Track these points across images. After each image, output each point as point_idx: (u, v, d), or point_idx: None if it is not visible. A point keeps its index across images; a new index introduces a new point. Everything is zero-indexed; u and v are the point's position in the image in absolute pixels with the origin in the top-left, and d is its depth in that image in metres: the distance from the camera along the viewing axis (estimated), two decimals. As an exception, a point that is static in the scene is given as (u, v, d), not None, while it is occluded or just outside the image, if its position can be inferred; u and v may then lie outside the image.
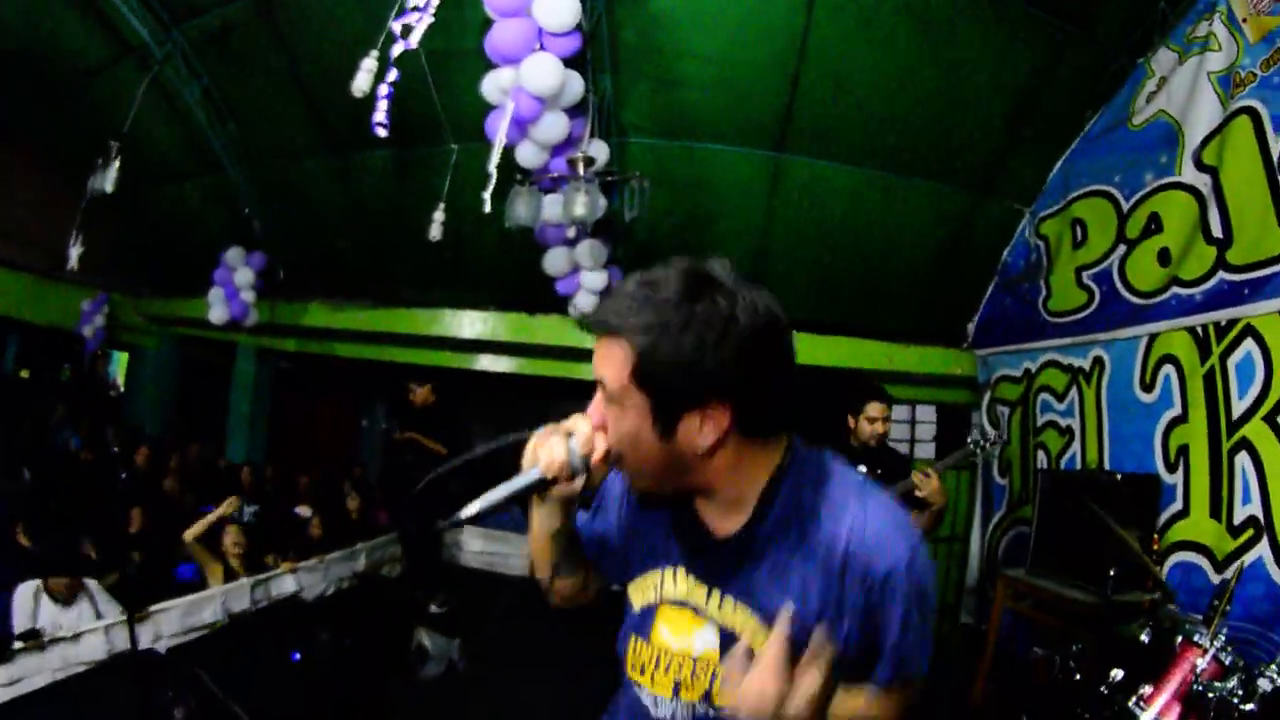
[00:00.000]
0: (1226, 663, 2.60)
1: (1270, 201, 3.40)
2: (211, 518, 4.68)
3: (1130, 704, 2.70)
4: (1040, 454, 4.94)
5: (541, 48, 4.01)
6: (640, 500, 1.23)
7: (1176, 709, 2.60)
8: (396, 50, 3.73)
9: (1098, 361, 4.47)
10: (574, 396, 1.33)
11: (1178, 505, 3.76)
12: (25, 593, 3.61)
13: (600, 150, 4.84)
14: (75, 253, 5.36)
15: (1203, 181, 3.71)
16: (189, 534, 4.59)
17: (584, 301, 5.60)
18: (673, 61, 4.82)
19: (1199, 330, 3.74)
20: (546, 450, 1.07)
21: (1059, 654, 3.45)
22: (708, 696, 1.13)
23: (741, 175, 5.44)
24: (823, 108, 4.90)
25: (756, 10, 4.46)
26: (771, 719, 0.90)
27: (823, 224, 5.62)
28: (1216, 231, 3.64)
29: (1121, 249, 4.29)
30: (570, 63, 4.15)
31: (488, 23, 4.00)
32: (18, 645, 3.07)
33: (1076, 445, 4.61)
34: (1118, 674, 2.88)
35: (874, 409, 3.59)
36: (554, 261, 5.47)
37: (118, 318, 8.01)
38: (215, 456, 7.65)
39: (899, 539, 1.03)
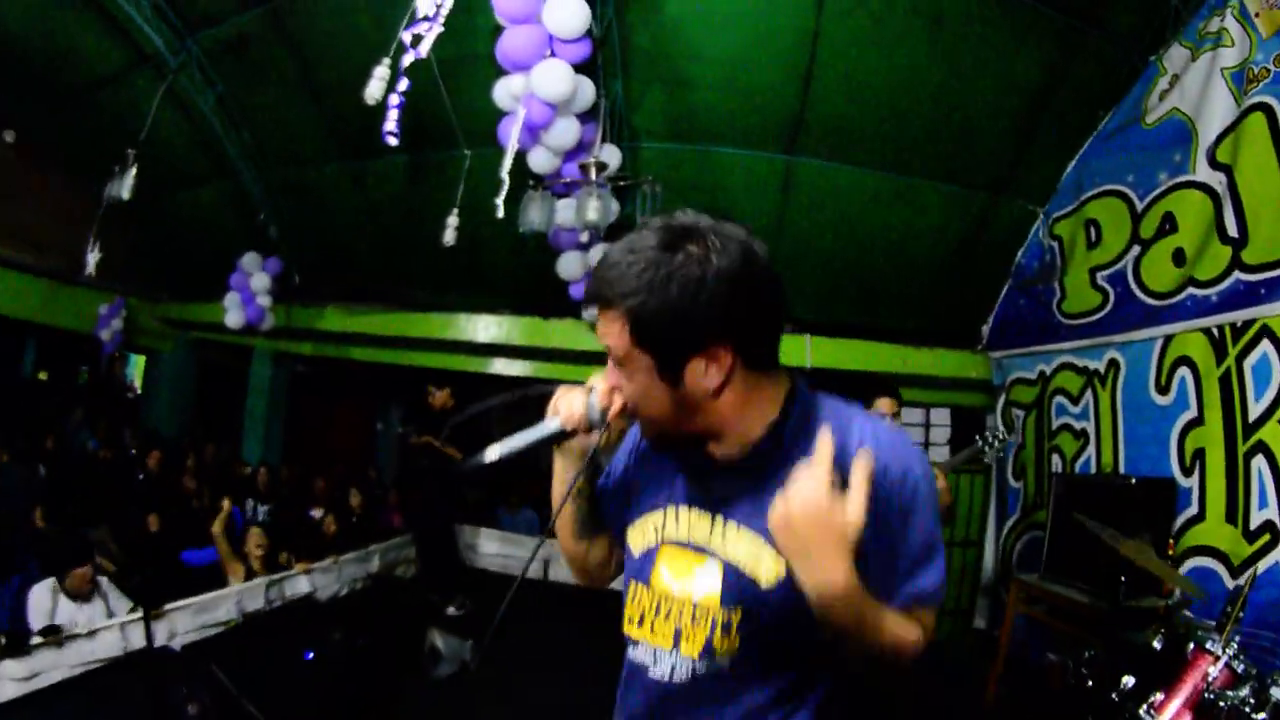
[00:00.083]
0: (1239, 670, 2.54)
1: (1286, 200, 3.35)
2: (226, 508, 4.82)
3: (1141, 711, 2.67)
4: (1055, 457, 4.88)
5: (552, 54, 4.05)
6: (652, 446, 1.24)
7: (1188, 717, 2.56)
8: (407, 60, 3.78)
9: (1113, 364, 4.41)
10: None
11: (1193, 510, 3.69)
12: (42, 590, 3.69)
13: (612, 155, 4.87)
14: (93, 258, 5.47)
15: (1217, 180, 3.65)
16: (216, 527, 4.74)
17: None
18: (683, 65, 4.83)
19: (1215, 331, 3.68)
20: (566, 403, 1.15)
21: (1071, 660, 3.41)
22: (708, 651, 1.11)
23: (754, 178, 5.44)
24: (834, 109, 4.90)
25: (766, 13, 4.47)
26: (818, 525, 0.92)
27: (835, 226, 5.61)
28: (1232, 231, 3.58)
29: (1136, 249, 4.23)
30: (581, 68, 4.19)
31: (498, 29, 4.04)
32: (36, 640, 3.13)
33: (1091, 449, 4.55)
34: (1129, 681, 2.84)
35: (883, 404, 3.58)
36: (567, 266, 5.50)
37: (135, 322, 8.13)
38: (232, 459, 7.76)
39: (910, 448, 1.08)
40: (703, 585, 1.12)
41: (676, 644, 1.14)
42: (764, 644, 1.08)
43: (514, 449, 1.14)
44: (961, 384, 6.14)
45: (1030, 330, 5.27)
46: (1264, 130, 3.43)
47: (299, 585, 5.00)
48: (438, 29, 3.76)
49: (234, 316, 6.85)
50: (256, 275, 6.75)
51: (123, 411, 9.57)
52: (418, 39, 3.75)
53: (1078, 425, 4.70)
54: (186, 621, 3.97)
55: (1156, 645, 2.92)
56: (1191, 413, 3.79)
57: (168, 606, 3.90)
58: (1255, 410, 3.44)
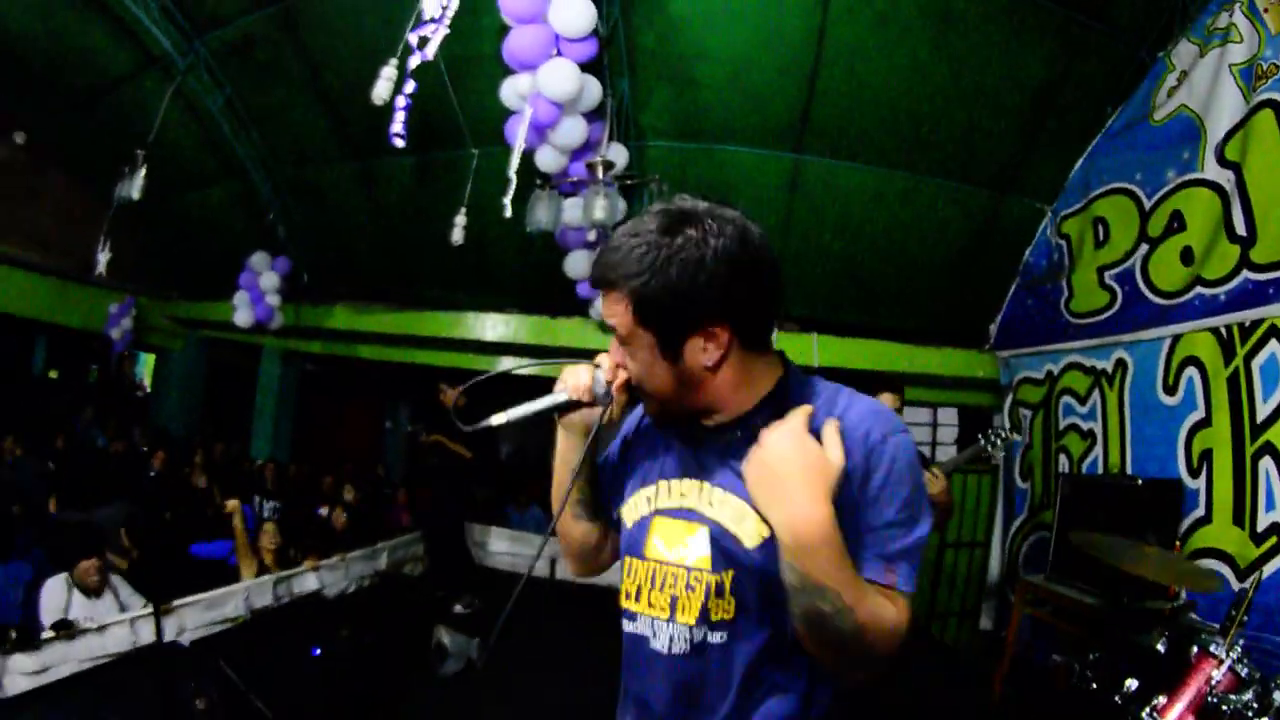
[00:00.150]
0: (1243, 674, 2.51)
1: (1295, 198, 3.32)
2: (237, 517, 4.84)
3: (1144, 714, 2.64)
4: (1062, 458, 4.85)
5: (558, 53, 4.06)
6: (654, 422, 1.28)
7: (1190, 721, 2.55)
8: (414, 62, 3.80)
9: (1120, 363, 4.38)
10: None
11: (1200, 511, 3.66)
12: (55, 585, 3.73)
13: (619, 154, 4.87)
14: (103, 258, 5.54)
15: (1226, 178, 3.61)
16: (236, 521, 4.81)
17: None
18: (689, 64, 4.83)
19: (1223, 331, 3.64)
20: (573, 375, 1.20)
21: (1077, 662, 3.39)
22: (705, 617, 1.13)
23: (760, 176, 5.44)
24: (840, 107, 4.89)
25: (772, 12, 4.46)
26: (792, 461, 0.97)
27: (842, 224, 5.60)
28: (1240, 229, 3.54)
29: (1144, 248, 4.19)
30: (587, 67, 4.20)
31: (505, 29, 4.06)
32: (47, 635, 3.18)
33: (1099, 449, 4.52)
34: (1132, 684, 2.82)
35: (886, 400, 3.58)
36: (575, 264, 5.51)
37: (145, 320, 8.21)
38: (241, 457, 7.83)
39: (894, 419, 1.10)
40: (695, 551, 1.16)
41: (673, 614, 1.16)
42: (758, 606, 1.10)
43: (520, 415, 1.19)
44: (969, 383, 6.12)
45: (1038, 329, 5.24)
46: (1273, 127, 3.40)
47: (307, 582, 5.03)
48: (444, 31, 3.78)
49: (243, 315, 6.91)
50: (265, 274, 6.80)
51: (132, 409, 9.67)
52: (424, 41, 3.77)
53: (1085, 425, 4.67)
54: (195, 617, 4.00)
55: (1160, 648, 2.89)
56: (1199, 413, 3.76)
57: (177, 602, 3.92)
58: (1263, 411, 3.41)
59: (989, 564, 5.84)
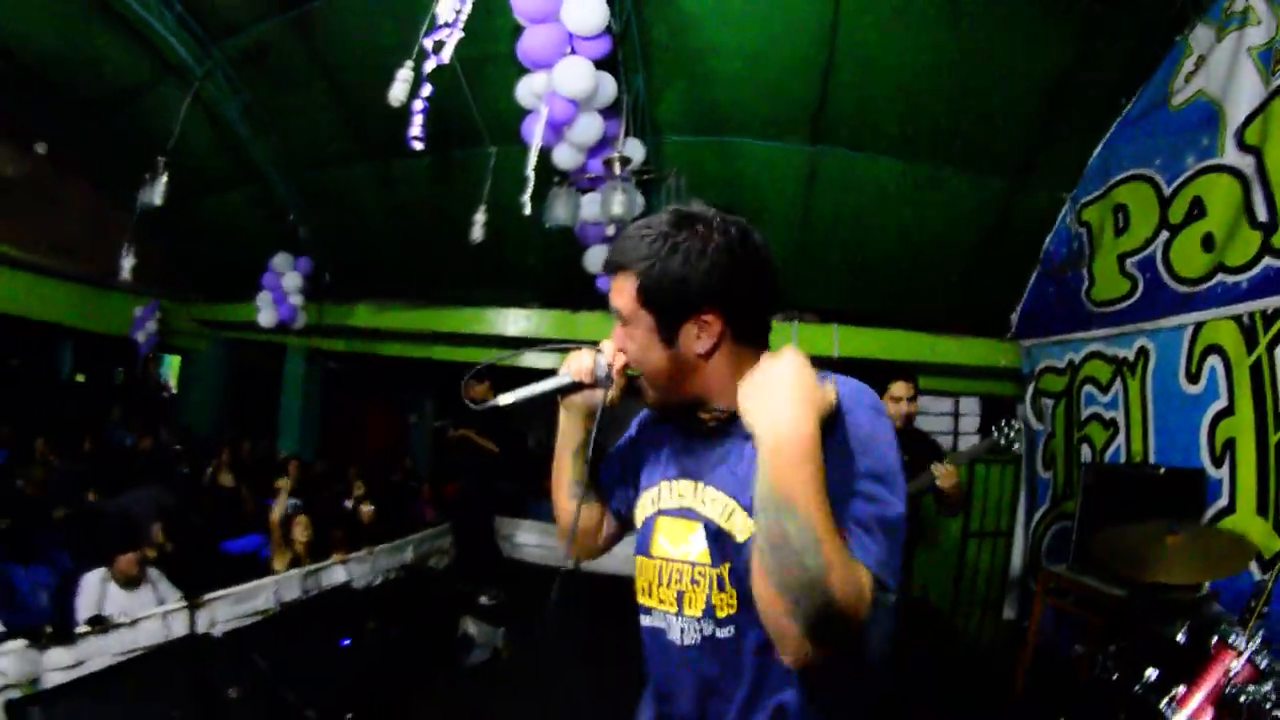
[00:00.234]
0: (1262, 666, 2.50)
1: (1318, 183, 3.25)
2: (284, 496, 5.04)
3: (1162, 705, 2.64)
4: (1085, 447, 4.80)
5: (572, 51, 4.08)
6: (651, 408, 1.37)
7: (1210, 712, 2.53)
8: (429, 66, 3.85)
9: (1142, 352, 4.32)
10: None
11: (1223, 501, 3.61)
12: (92, 579, 3.85)
13: (636, 149, 4.89)
14: (128, 263, 5.68)
15: (1246, 163, 3.54)
16: (274, 514, 4.97)
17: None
18: (703, 58, 4.84)
19: (1245, 319, 3.58)
20: (577, 359, 1.28)
21: (1100, 652, 3.38)
22: (710, 610, 1.19)
23: (777, 169, 5.43)
24: (855, 99, 4.87)
25: (785, 4, 4.45)
26: (786, 377, 1.02)
27: (860, 215, 5.59)
28: (1261, 215, 3.47)
29: (1164, 235, 4.12)
30: (602, 64, 4.22)
31: (518, 29, 4.09)
32: (81, 629, 3.29)
33: (1121, 438, 4.47)
34: (1152, 674, 2.81)
35: (898, 388, 3.59)
36: (594, 259, 5.55)
37: (169, 323, 8.41)
38: (268, 455, 7.98)
39: (877, 400, 1.16)
40: (696, 547, 1.22)
41: (681, 608, 1.23)
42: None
43: (527, 395, 1.27)
44: (990, 373, 6.08)
45: (1059, 318, 5.19)
46: (1294, 111, 3.34)
47: (335, 575, 5.12)
48: (458, 34, 3.83)
49: (266, 315, 7.03)
50: (288, 275, 6.92)
51: (158, 410, 9.89)
52: (439, 45, 3.82)
53: (1107, 415, 4.62)
54: (226, 611, 4.10)
55: (1181, 638, 2.87)
56: (1222, 402, 3.70)
57: (209, 596, 4.02)
58: (1287, 400, 3.36)
59: (1012, 554, 5.82)
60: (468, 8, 3.74)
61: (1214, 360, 3.77)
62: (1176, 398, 4.02)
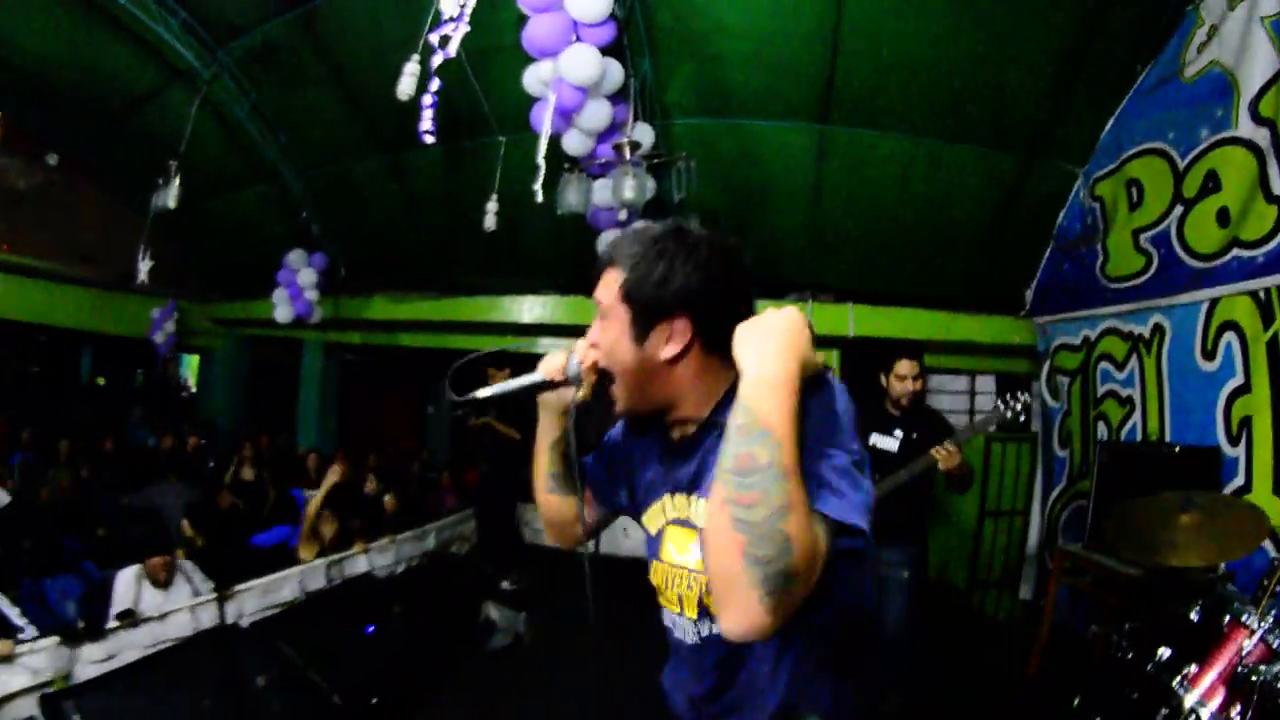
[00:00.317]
0: (1275, 645, 2.49)
1: (1334, 154, 3.17)
2: (328, 485, 5.10)
3: (1175, 684, 2.65)
4: (1101, 425, 4.76)
5: (578, 39, 4.08)
6: (629, 428, 1.44)
7: (1222, 691, 2.54)
8: (437, 60, 3.87)
9: (1158, 328, 4.26)
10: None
11: (1239, 480, 3.56)
12: (127, 577, 3.94)
13: (645, 133, 4.87)
14: (145, 266, 5.78)
15: (1261, 135, 3.44)
16: (311, 508, 5.07)
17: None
18: (710, 40, 4.81)
19: (1261, 295, 3.51)
20: (551, 358, 1.33)
21: (1115, 632, 3.38)
22: (704, 613, 1.27)
23: (787, 149, 5.40)
24: (864, 76, 4.82)
25: (788, -16, 4.41)
26: (782, 322, 1.06)
27: (872, 193, 5.55)
28: (1277, 189, 3.38)
29: (1179, 210, 4.04)
30: (608, 50, 4.21)
31: (523, 19, 4.09)
32: (111, 625, 3.40)
33: (1137, 416, 4.41)
34: (1165, 653, 2.82)
35: (903, 366, 3.61)
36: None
37: (187, 323, 8.59)
38: (288, 449, 8.12)
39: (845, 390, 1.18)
40: (694, 555, 1.28)
41: (682, 609, 1.32)
42: None
43: (502, 391, 1.31)
44: (1006, 350, 6.04)
45: (1074, 294, 5.12)
46: (1309, 81, 3.25)
47: (358, 564, 5.23)
48: (464, 28, 3.84)
49: (283, 311, 7.12)
50: (303, 270, 7.00)
51: (179, 409, 10.08)
52: (445, 40, 3.84)
53: (1123, 392, 4.57)
54: (253, 602, 4.20)
55: (1194, 617, 2.88)
56: (1238, 379, 3.64)
57: (237, 588, 4.13)
58: (1304, 377, 3.31)
59: (1028, 533, 5.81)
60: (472, 2, 3.75)
61: (1230, 337, 3.71)
62: (1192, 375, 3.97)
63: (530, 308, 6.94)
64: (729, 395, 1.18)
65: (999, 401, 3.48)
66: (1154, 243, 4.28)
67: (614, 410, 1.31)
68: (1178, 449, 3.90)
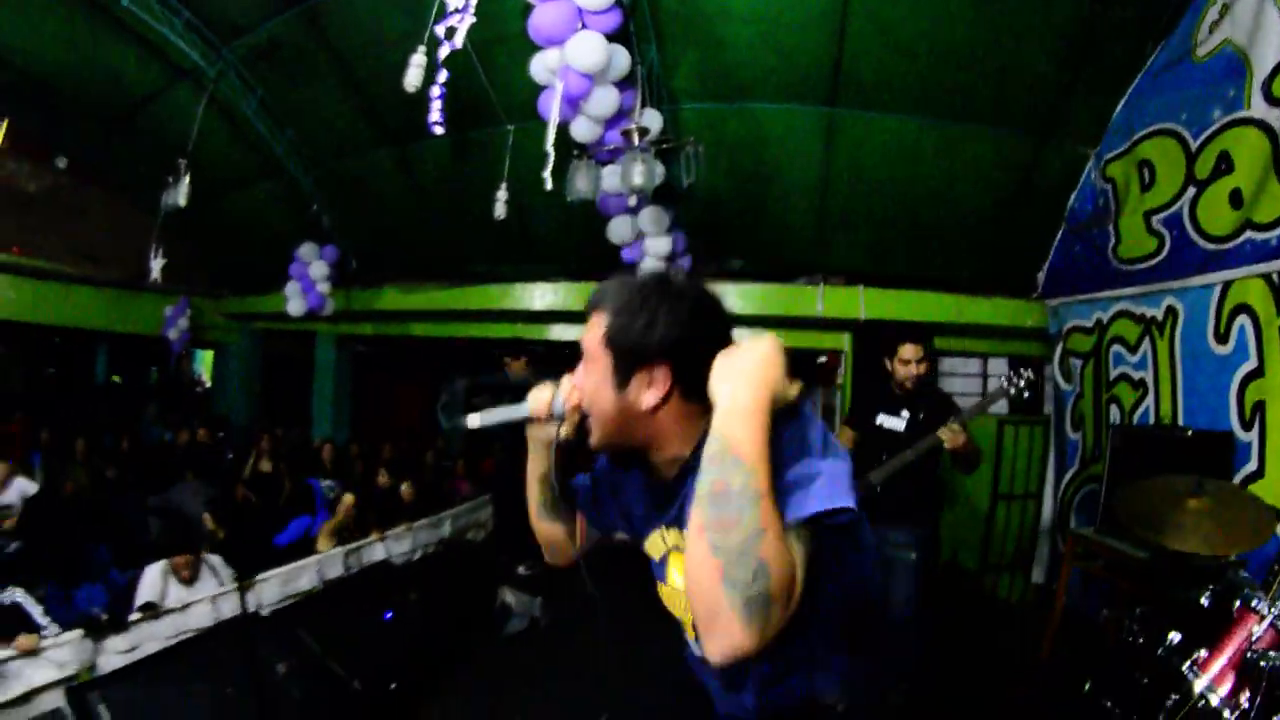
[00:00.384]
0: (1285, 632, 2.50)
1: (1348, 135, 3.11)
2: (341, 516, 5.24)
3: (1184, 668, 2.66)
4: (1113, 408, 4.73)
5: (583, 26, 4.06)
6: (600, 451, 1.43)
7: (1231, 676, 2.54)
8: (443, 52, 3.87)
9: (1170, 311, 4.21)
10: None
11: (1252, 465, 3.53)
12: (154, 572, 4.04)
13: (653, 119, 4.85)
14: (157, 265, 5.85)
15: (1274, 116, 3.38)
16: (348, 500, 5.27)
17: (650, 267, 5.69)
18: (715, 25, 4.77)
19: (1274, 277, 3.46)
20: (537, 395, 1.38)
21: (1127, 616, 3.39)
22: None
23: (796, 132, 5.36)
24: (872, 58, 4.77)
25: (793, -35, 4.36)
26: (756, 356, 1.10)
27: (882, 175, 5.51)
28: (1291, 170, 3.36)
29: (1191, 191, 3.98)
30: (614, 37, 4.18)
31: (528, 7, 4.08)
32: (134, 617, 3.47)
33: (1150, 399, 4.38)
34: (1175, 637, 2.82)
35: (906, 351, 3.62)
36: (618, 230, 5.57)
37: (200, 319, 8.69)
38: (303, 441, 8.22)
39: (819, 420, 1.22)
40: None
41: (686, 629, 1.42)
42: None
43: (489, 421, 1.38)
44: (1018, 333, 6.00)
45: (1086, 277, 5.06)
46: (1323, 60, 3.19)
47: (375, 552, 5.31)
48: (469, 19, 3.84)
49: (295, 305, 7.18)
50: (314, 264, 7.05)
51: (193, 405, 10.20)
52: (451, 31, 3.83)
53: (1136, 375, 4.53)
54: (272, 592, 4.28)
55: (1205, 602, 2.88)
56: (1251, 363, 3.60)
57: (257, 578, 4.21)
58: (1318, 361, 3.28)
59: (1041, 516, 5.80)
60: (478, -8, 3.75)
61: (1243, 320, 3.67)
62: (1205, 358, 3.92)
63: (541, 295, 6.94)
64: (703, 436, 1.20)
65: (1003, 380, 3.48)
66: (1166, 224, 4.22)
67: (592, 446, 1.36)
68: (1190, 433, 3.87)
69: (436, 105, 4.22)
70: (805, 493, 1.07)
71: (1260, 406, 3.54)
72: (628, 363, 1.23)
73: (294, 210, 7.11)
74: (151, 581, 4.00)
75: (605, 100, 4.44)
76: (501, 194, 5.32)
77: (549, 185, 4.27)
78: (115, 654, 3.32)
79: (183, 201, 5.47)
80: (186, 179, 5.44)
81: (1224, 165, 3.74)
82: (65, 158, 7.42)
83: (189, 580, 4.12)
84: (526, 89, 4.50)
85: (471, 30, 3.86)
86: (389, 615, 4.38)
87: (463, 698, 4.09)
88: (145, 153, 6.63)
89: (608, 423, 1.28)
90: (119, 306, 8.19)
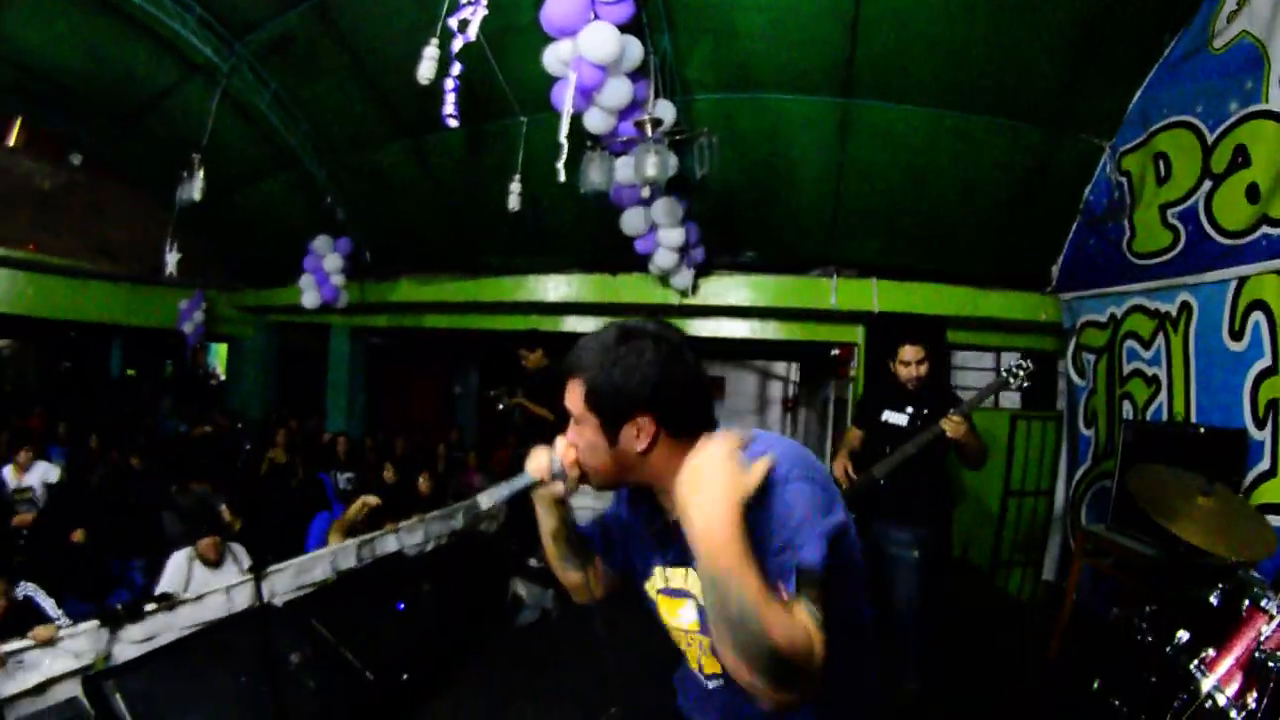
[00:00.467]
0: (1294, 631, 2.49)
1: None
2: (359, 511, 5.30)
3: (1192, 667, 2.65)
4: (1126, 404, 4.69)
5: (596, 16, 4.04)
6: (629, 499, 1.60)
7: (1239, 676, 2.53)
8: (456, 45, 3.87)
9: (1185, 307, 4.17)
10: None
11: (1265, 464, 3.50)
12: (179, 559, 4.11)
13: (666, 110, 4.82)
14: (172, 259, 5.91)
15: None
16: (370, 500, 5.31)
17: (663, 258, 5.69)
18: (729, 14, 4.73)
19: (1291, 274, 3.44)
20: (535, 459, 1.45)
21: (1136, 614, 3.37)
22: (701, 669, 1.49)
23: (809, 123, 5.32)
24: (885, 49, 4.71)
25: (806, -46, 4.32)
26: (715, 471, 1.15)
27: (895, 167, 5.46)
28: (1309, 164, 3.31)
29: (1207, 185, 3.92)
30: (627, 28, 4.15)
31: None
32: (150, 607, 3.53)
33: (1163, 395, 4.34)
34: (1184, 636, 2.81)
35: (906, 352, 3.63)
36: (631, 221, 5.56)
37: (214, 312, 8.75)
38: (318, 432, 8.30)
39: (808, 459, 1.30)
40: (687, 618, 1.47)
41: (689, 662, 1.54)
42: None
43: (501, 497, 1.46)
44: (1032, 327, 5.95)
45: (1101, 271, 5.01)
46: (1344, 52, 3.13)
47: (388, 544, 5.35)
48: (482, 11, 3.84)
49: (310, 297, 7.22)
50: (329, 256, 7.08)
51: (208, 398, 10.31)
52: (464, 24, 3.84)
53: (1150, 371, 4.49)
54: (286, 582, 4.31)
55: (1214, 601, 2.86)
56: (1266, 360, 3.55)
57: (270, 569, 4.23)
58: (1334, 359, 3.23)
59: (1052, 513, 5.76)
60: (488, -14, 3.74)
61: (1258, 316, 3.62)
62: (1219, 355, 3.88)
63: (555, 286, 6.94)
64: None
65: (1003, 370, 3.47)
66: (1182, 219, 4.17)
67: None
68: (1203, 430, 3.83)
69: (450, 97, 4.22)
70: (798, 561, 1.17)
71: (1274, 405, 3.51)
72: (613, 420, 1.33)
73: (308, 203, 7.14)
74: (176, 567, 4.06)
75: (618, 91, 4.41)
76: (515, 186, 5.31)
77: (562, 177, 4.25)
78: (131, 644, 3.36)
79: (197, 196, 5.50)
80: (201, 173, 5.46)
81: (1240, 159, 3.68)
82: (80, 154, 7.52)
83: (215, 563, 4.20)
84: (539, 80, 4.49)
85: (484, 21, 3.85)
86: (402, 606, 4.42)
87: (474, 688, 4.14)
88: (159, 148, 6.68)
89: (606, 473, 1.40)
90: (134, 300, 8.28)
